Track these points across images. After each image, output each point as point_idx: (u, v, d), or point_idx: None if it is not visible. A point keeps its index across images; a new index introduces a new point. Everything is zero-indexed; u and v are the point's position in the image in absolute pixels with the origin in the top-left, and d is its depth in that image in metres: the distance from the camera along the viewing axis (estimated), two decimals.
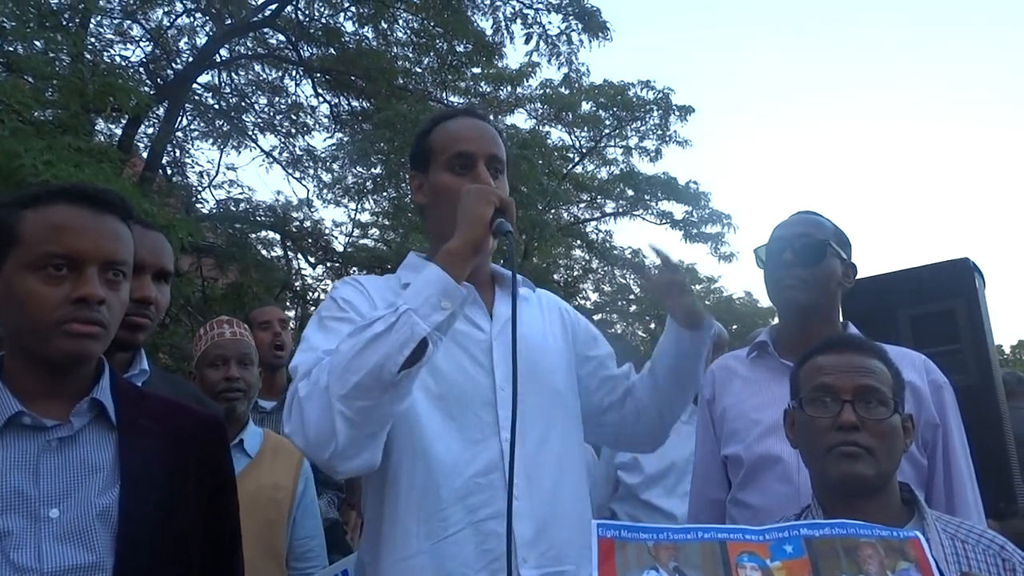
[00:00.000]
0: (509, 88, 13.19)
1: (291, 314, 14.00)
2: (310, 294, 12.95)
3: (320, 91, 11.43)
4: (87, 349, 1.25)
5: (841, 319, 2.04)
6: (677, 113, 13.94)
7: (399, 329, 1.32)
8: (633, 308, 17.19)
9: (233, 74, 11.23)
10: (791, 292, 1.92)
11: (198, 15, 10.39)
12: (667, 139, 14.27)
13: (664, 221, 15.30)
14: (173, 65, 10.58)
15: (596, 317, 16.37)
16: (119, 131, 9.46)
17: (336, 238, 13.29)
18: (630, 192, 15.12)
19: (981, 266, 2.70)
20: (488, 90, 12.97)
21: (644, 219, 15.52)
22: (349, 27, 10.89)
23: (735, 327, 16.22)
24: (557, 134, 14.56)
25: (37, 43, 6.87)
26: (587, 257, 16.43)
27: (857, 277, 2.08)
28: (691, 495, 2.17)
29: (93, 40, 8.97)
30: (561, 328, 1.75)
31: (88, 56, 7.99)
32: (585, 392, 1.75)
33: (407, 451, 1.48)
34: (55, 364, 1.26)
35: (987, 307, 2.69)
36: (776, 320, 2.16)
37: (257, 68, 11.33)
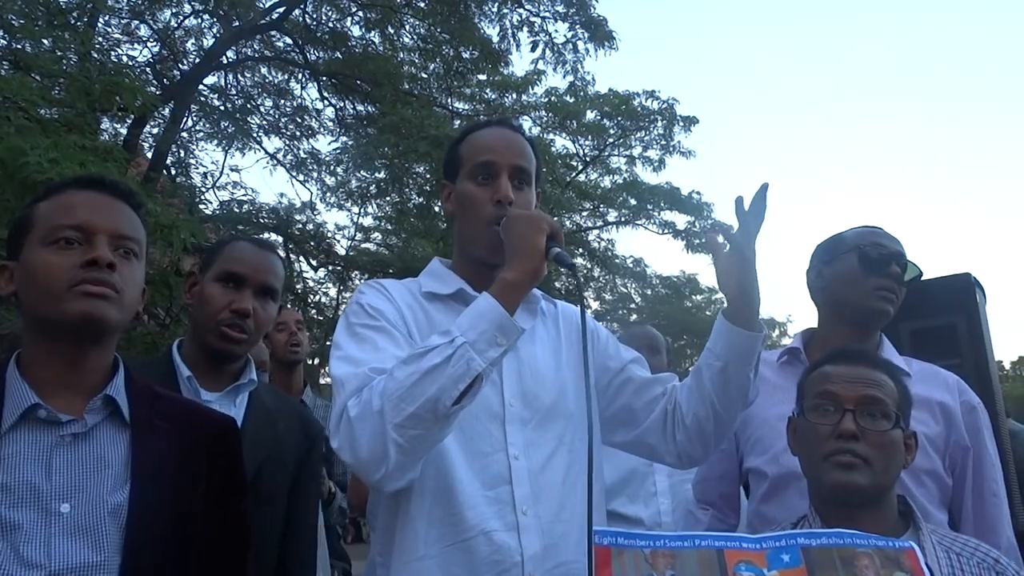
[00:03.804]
0: (514, 95, 13.23)
1: None
2: (311, 297, 12.95)
3: (326, 94, 11.46)
4: (100, 310, 1.25)
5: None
6: (681, 123, 13.98)
7: (455, 363, 1.33)
8: (634, 317, 17.20)
9: (239, 76, 11.27)
10: (885, 304, 1.90)
11: (206, 17, 10.43)
12: (671, 149, 14.31)
13: (667, 231, 15.33)
14: (180, 66, 10.61)
15: None
16: (124, 131, 9.49)
17: (339, 241, 13.33)
18: (633, 201, 15.14)
19: (983, 282, 2.70)
20: (493, 97, 13.01)
21: (646, 228, 15.54)
22: (356, 31, 10.95)
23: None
24: (561, 142, 14.62)
25: (45, 41, 6.90)
26: (588, 265, 16.45)
27: None
28: (699, 483, 2.17)
29: (100, 39, 8.99)
30: (579, 344, 1.70)
31: (95, 55, 8.00)
32: (609, 400, 1.72)
33: None
34: (70, 333, 1.26)
35: (988, 322, 2.70)
36: (782, 327, 2.15)
37: (263, 70, 11.38)
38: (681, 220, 15.22)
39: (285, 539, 1.75)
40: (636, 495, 2.66)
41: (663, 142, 14.26)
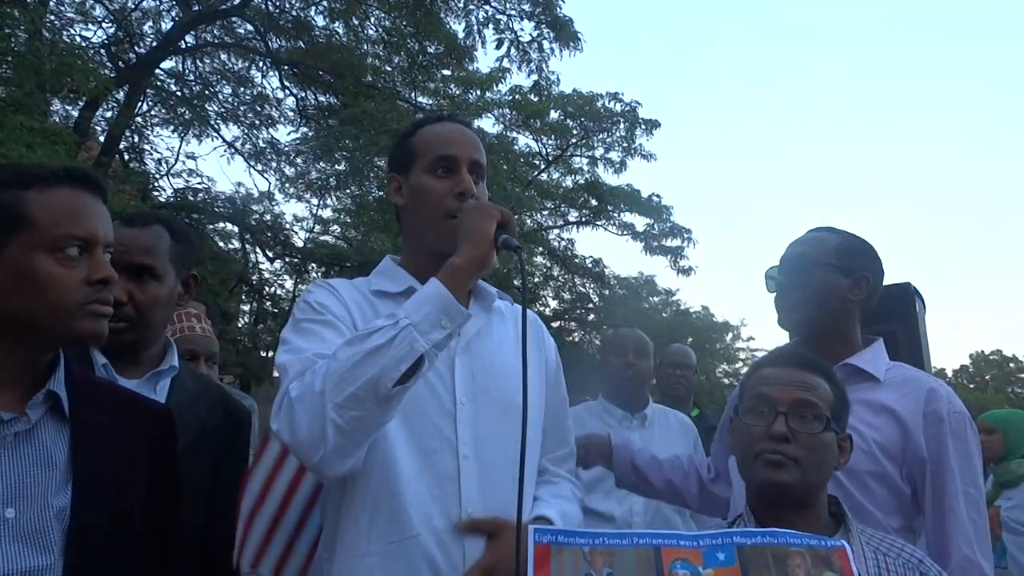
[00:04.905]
0: (478, 92, 13.22)
1: (245, 308, 13.78)
2: (267, 288, 12.77)
3: (287, 84, 11.31)
4: (105, 330, 1.26)
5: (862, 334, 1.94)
6: (643, 126, 14.13)
7: (399, 344, 1.32)
8: (591, 317, 17.32)
9: (198, 61, 11.06)
10: (783, 314, 1.93)
11: None
12: (632, 152, 14.45)
13: (625, 232, 15.49)
14: (136, 49, 10.37)
15: (555, 324, 16.45)
16: (76, 113, 9.24)
17: (296, 233, 13.14)
18: (594, 202, 15.25)
19: (926, 291, 2.80)
20: (457, 93, 12.98)
21: (606, 229, 15.69)
22: (320, 21, 10.84)
23: (691, 339, 16.46)
24: (524, 140, 14.66)
25: None
26: (548, 264, 16.52)
27: None
28: (712, 451, 2.26)
29: (52, 18, 8.73)
30: (535, 345, 1.71)
31: (46, 34, 7.76)
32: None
33: (367, 452, 1.46)
34: (62, 345, 1.26)
35: (926, 331, 2.79)
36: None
37: (223, 57, 11.17)
38: (640, 222, 15.39)
39: (209, 525, 1.72)
40: (611, 492, 2.71)
41: (625, 144, 14.40)
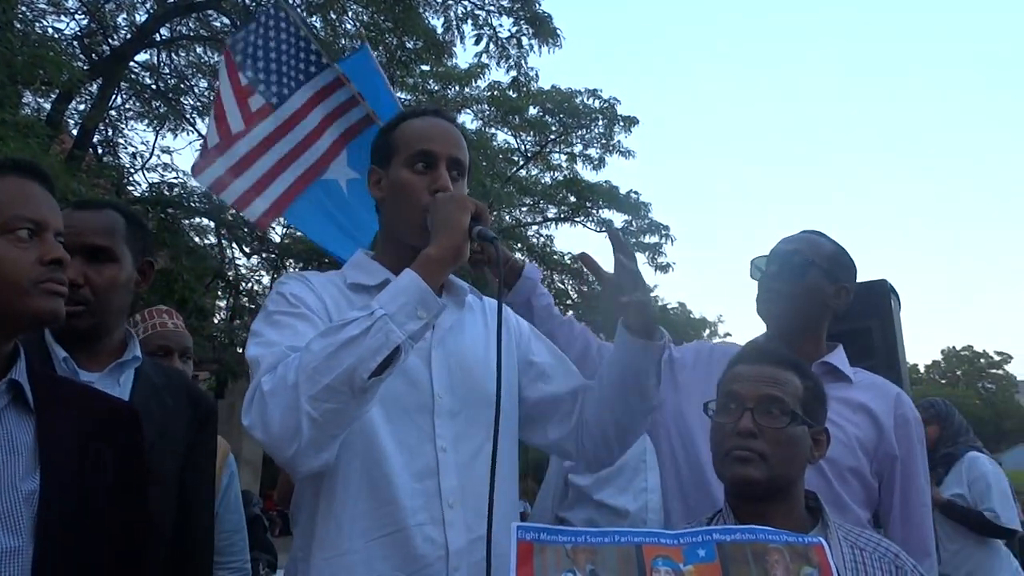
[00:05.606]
0: (457, 88, 13.18)
1: (222, 304, 13.65)
2: (243, 284, 12.65)
3: None
4: (63, 309, 1.30)
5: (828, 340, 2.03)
6: (622, 123, 14.19)
7: (374, 335, 1.31)
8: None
9: (173, 55, 10.89)
10: (765, 304, 1.99)
11: None
12: (611, 148, 14.53)
13: (604, 229, 15.56)
14: (109, 41, 10.19)
15: None
16: (48, 106, 9.08)
17: (273, 228, 13.00)
18: (572, 198, 15.30)
19: (900, 288, 2.85)
20: (436, 88, 12.93)
21: (585, 226, 15.74)
22: None
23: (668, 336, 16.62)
24: (503, 137, 14.66)
25: None
26: (527, 261, 16.55)
27: None
28: None
29: (24, 9, 8.56)
30: (505, 337, 1.70)
31: (18, 25, 7.62)
32: (526, 399, 1.71)
33: (345, 448, 1.45)
34: (23, 326, 1.27)
35: (901, 328, 2.84)
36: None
37: (199, 50, 11.02)
38: (619, 219, 15.48)
39: (181, 519, 1.70)
40: (626, 488, 2.73)
41: (603, 141, 14.47)
